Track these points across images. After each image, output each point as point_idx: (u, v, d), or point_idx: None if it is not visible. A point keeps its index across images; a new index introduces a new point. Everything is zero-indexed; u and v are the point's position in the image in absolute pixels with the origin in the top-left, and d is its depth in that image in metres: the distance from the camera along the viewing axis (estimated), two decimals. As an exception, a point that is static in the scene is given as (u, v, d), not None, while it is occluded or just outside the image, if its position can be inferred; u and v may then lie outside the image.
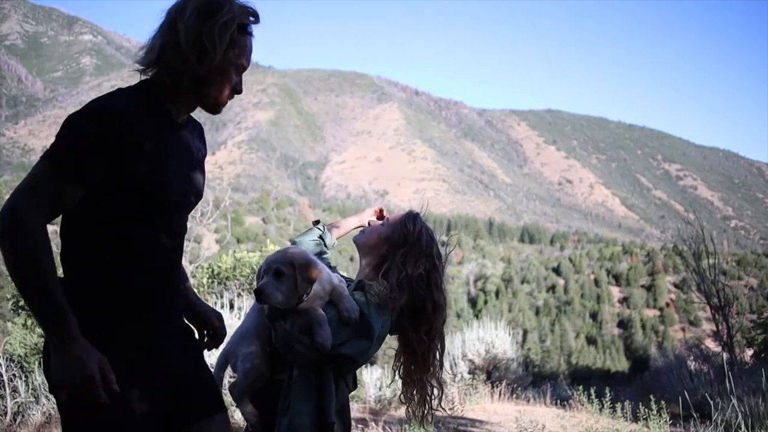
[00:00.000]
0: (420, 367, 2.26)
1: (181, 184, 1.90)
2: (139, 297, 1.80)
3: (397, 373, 2.33)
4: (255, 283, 2.15)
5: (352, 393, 2.27)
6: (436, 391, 2.30)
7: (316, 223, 2.68)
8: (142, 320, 1.81)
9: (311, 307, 2.07)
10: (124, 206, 1.76)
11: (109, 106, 1.73)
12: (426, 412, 2.29)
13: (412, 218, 2.33)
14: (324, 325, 2.03)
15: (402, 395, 2.32)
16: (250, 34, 1.90)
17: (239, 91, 1.94)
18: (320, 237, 2.61)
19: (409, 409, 2.31)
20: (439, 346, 2.27)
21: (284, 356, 2.10)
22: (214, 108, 1.93)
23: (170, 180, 1.83)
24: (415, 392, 2.29)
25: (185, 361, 1.94)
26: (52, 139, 1.67)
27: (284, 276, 2.02)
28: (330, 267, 2.38)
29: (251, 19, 1.89)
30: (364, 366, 7.22)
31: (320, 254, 2.52)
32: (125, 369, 1.72)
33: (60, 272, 1.68)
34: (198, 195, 2.01)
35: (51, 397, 5.99)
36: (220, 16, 1.79)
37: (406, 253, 2.25)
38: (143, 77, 1.88)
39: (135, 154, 1.72)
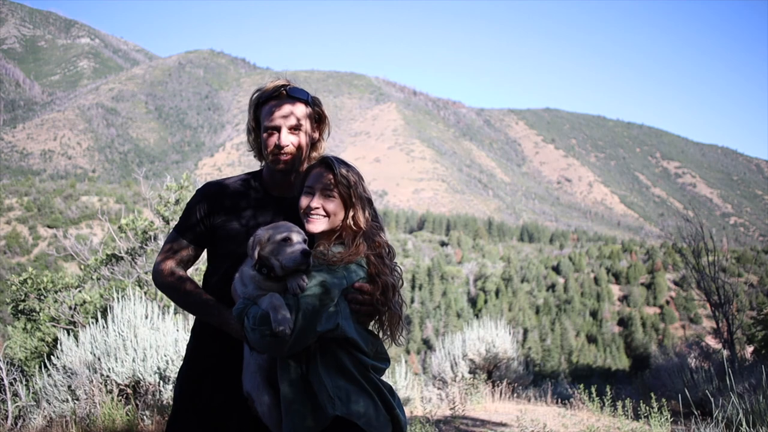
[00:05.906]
0: (382, 296, 2.23)
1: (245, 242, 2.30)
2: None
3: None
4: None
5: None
6: (397, 315, 2.29)
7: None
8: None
9: (269, 293, 2.04)
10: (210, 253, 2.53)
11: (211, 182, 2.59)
12: (396, 332, 2.30)
13: (341, 165, 2.30)
14: (280, 309, 1.96)
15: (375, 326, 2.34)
16: (268, 102, 2.41)
17: (279, 145, 2.37)
18: None
19: (383, 334, 2.31)
20: (397, 273, 2.31)
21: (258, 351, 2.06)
22: (275, 163, 2.42)
23: (236, 234, 2.39)
24: (383, 318, 2.27)
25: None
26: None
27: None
28: None
29: (267, 93, 2.41)
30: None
31: None
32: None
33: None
34: None
35: (51, 401, 5.98)
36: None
37: (354, 212, 2.25)
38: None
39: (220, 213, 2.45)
